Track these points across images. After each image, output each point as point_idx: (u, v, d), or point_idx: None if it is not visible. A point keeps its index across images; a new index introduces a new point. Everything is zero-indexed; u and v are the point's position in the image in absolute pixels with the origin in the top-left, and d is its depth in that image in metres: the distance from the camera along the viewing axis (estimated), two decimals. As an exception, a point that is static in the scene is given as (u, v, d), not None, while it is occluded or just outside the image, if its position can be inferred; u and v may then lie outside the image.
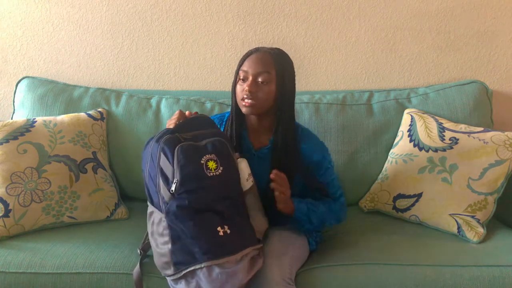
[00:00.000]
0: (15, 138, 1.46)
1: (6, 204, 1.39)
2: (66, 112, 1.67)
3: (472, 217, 1.44)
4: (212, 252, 1.08)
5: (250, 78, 1.26)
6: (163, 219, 1.12)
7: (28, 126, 1.51)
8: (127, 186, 1.69)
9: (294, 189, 1.28)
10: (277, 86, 1.27)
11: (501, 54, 1.82)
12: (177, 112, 1.27)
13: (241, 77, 1.29)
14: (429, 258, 1.29)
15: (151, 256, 1.27)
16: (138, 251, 1.29)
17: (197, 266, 1.07)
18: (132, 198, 1.68)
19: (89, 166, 1.53)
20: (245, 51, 1.33)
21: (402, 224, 1.54)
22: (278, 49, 1.33)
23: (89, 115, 1.64)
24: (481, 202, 1.45)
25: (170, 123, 1.26)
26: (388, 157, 1.63)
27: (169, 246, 1.11)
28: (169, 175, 1.11)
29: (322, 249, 1.39)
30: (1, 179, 1.41)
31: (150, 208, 1.19)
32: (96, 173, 1.54)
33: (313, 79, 1.87)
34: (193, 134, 1.17)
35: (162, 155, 1.12)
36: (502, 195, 1.47)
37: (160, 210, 1.14)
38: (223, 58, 1.86)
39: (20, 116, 1.70)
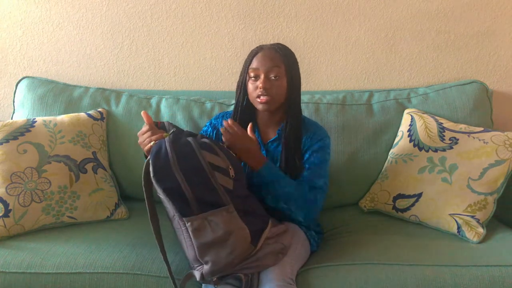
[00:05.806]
0: (15, 138, 1.46)
1: (6, 204, 1.39)
2: (66, 112, 1.67)
3: (472, 217, 1.43)
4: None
5: (262, 75, 1.28)
6: (230, 209, 1.08)
7: (28, 126, 1.51)
8: (127, 186, 1.69)
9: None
10: (288, 80, 1.30)
11: (501, 54, 1.82)
12: (146, 121, 1.22)
13: (252, 76, 1.30)
14: (429, 258, 1.29)
15: (150, 256, 1.28)
16: None
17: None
18: (132, 198, 1.68)
19: (89, 166, 1.53)
20: (245, 51, 1.33)
21: (402, 224, 1.54)
22: (280, 44, 1.35)
23: (89, 115, 1.64)
24: (481, 202, 1.45)
25: (145, 141, 1.17)
26: (388, 157, 1.63)
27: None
28: (222, 165, 1.11)
29: (322, 249, 1.40)
30: (1, 179, 1.41)
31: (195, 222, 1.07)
32: (96, 173, 1.54)
33: (313, 79, 1.87)
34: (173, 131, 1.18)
35: (205, 152, 1.10)
36: (502, 195, 1.47)
37: (223, 203, 1.08)
38: (223, 58, 1.86)
39: (20, 116, 1.70)
